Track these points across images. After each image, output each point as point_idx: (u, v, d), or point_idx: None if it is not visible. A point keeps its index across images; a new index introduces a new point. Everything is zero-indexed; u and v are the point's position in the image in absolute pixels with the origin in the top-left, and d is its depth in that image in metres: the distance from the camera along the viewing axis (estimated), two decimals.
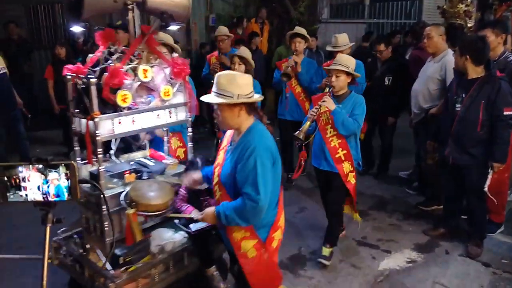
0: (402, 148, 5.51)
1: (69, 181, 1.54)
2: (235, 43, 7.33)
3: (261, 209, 2.00)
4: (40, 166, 1.53)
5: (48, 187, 1.55)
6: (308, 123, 3.26)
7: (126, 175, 2.57)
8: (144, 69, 2.44)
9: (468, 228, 3.55)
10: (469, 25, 5.27)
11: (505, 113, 3.07)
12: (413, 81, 4.21)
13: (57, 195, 1.56)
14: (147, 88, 2.55)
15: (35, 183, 1.55)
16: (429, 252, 3.52)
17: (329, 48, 4.33)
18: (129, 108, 2.42)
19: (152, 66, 2.52)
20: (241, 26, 8.13)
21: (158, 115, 2.61)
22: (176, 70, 2.63)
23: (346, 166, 3.21)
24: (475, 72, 3.19)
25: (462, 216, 3.69)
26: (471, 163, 3.25)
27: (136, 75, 2.43)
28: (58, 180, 1.54)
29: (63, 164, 1.53)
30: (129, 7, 2.51)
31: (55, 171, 1.54)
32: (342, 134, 3.15)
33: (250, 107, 2.08)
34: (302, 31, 4.50)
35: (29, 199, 1.56)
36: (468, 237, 3.53)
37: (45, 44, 8.78)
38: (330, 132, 3.23)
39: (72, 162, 1.55)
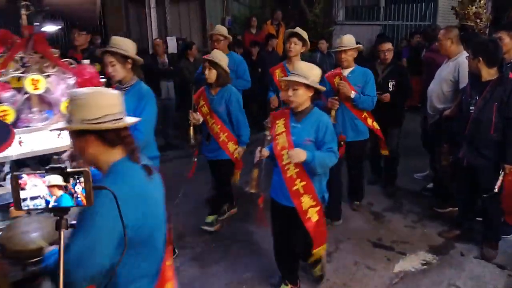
0: (416, 149, 5.51)
1: (84, 187, 1.45)
2: (250, 45, 7.45)
3: (69, 279, 1.35)
4: (39, 173, 1.45)
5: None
6: (256, 170, 2.82)
7: (11, 208, 1.93)
8: (33, 79, 2.01)
9: (483, 230, 3.56)
10: (479, 26, 5.22)
11: None
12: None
13: (70, 202, 1.48)
14: (49, 102, 2.12)
15: (36, 191, 1.45)
16: (444, 254, 3.53)
17: (332, 50, 4.08)
18: (13, 127, 1.96)
19: (47, 76, 2.09)
20: (253, 26, 8.20)
21: (59, 135, 2.08)
22: (80, 80, 2.17)
23: (306, 201, 2.69)
24: (488, 74, 3.21)
25: (477, 218, 3.69)
26: (485, 165, 3.27)
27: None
28: (66, 187, 1.46)
29: (82, 172, 1.44)
30: (21, 3, 2.03)
31: (65, 179, 1.45)
32: (320, 172, 2.69)
33: (105, 137, 1.48)
34: (302, 32, 4.06)
35: (23, 208, 1.45)
36: (483, 239, 3.54)
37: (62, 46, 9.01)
38: (287, 159, 2.69)
39: (86, 169, 1.46)
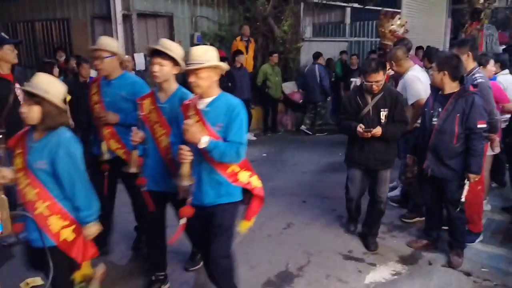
0: None
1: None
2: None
3: None
4: None
5: None
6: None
7: None
8: None
9: (449, 238, 3.64)
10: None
11: (478, 126, 3.21)
12: None
13: None
14: None
15: None
16: (413, 263, 3.59)
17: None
18: None
19: None
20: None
21: None
22: None
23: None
24: (450, 87, 3.33)
25: (443, 227, 3.79)
26: (449, 175, 3.37)
27: None
28: None
29: None
30: None
31: None
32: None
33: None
34: (168, 48, 2.77)
35: None
36: (449, 247, 3.62)
37: (25, 63, 8.75)
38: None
39: (2, 196, 1.51)
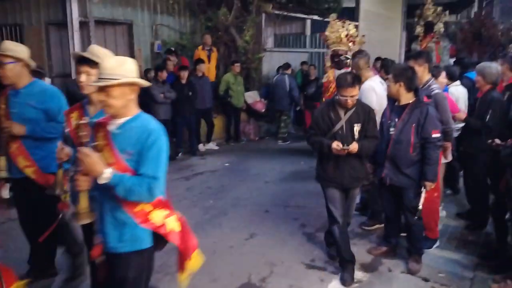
0: None
1: None
2: (178, 69, 7.37)
3: None
4: None
5: None
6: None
7: None
8: None
9: (407, 245, 3.73)
10: (351, 49, 4.97)
11: (433, 135, 3.33)
12: None
13: None
14: None
15: None
16: (373, 271, 3.65)
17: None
18: None
19: None
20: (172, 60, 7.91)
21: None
22: None
23: None
24: (406, 98, 3.44)
25: (402, 234, 3.87)
26: (407, 184, 3.47)
27: None
28: None
29: None
30: None
31: None
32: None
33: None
34: (96, 54, 2.50)
35: None
36: (408, 254, 3.71)
37: None
38: None
39: None
